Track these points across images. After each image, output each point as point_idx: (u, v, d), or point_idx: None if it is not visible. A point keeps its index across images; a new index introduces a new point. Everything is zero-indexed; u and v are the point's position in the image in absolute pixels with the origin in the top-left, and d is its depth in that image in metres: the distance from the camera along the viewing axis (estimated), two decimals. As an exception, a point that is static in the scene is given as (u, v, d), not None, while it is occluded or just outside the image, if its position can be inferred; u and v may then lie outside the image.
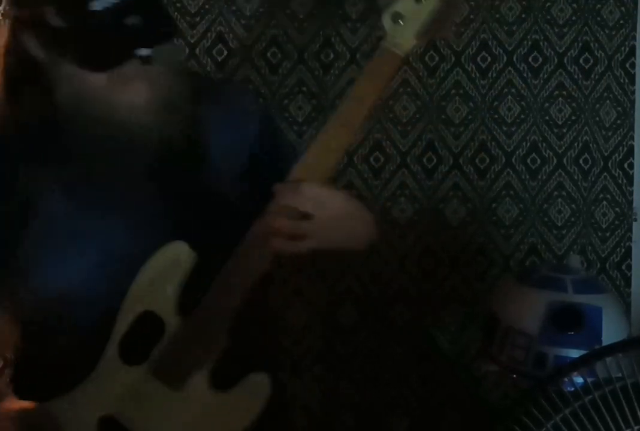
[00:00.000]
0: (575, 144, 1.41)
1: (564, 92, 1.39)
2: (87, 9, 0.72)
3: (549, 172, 1.40)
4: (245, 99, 0.88)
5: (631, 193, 1.41)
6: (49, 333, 0.82)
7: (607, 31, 1.38)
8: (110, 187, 0.80)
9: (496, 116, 1.37)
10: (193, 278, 0.77)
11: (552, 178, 1.40)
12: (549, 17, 1.37)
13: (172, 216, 0.80)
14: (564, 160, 1.41)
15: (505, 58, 1.37)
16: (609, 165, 1.41)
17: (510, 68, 1.37)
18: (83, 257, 0.79)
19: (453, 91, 1.36)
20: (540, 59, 1.38)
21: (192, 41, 1.27)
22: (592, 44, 1.38)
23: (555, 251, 1.40)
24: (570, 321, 1.03)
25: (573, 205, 1.41)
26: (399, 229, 1.34)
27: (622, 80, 1.39)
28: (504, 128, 1.38)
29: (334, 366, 1.34)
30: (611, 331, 1.03)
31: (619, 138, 1.41)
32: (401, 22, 0.74)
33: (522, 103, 1.38)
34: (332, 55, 1.32)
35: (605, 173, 1.41)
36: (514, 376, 1.04)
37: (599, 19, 1.38)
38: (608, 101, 1.39)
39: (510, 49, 1.37)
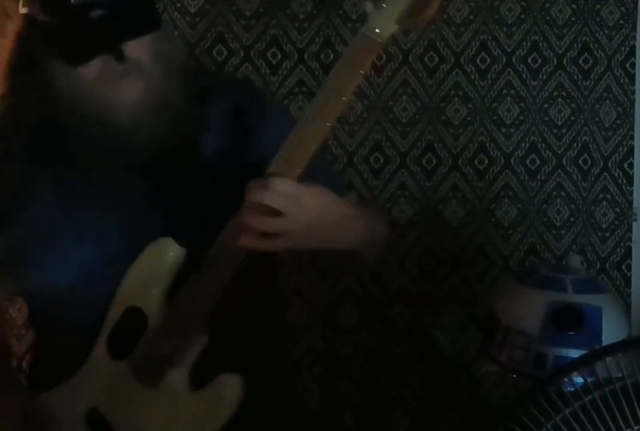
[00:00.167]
0: (575, 145, 1.41)
1: (563, 93, 1.39)
2: (65, 5, 0.72)
3: (548, 173, 1.40)
4: (249, 98, 0.86)
5: (631, 193, 1.41)
6: (48, 326, 0.83)
7: (606, 31, 1.39)
8: (104, 185, 0.80)
9: (495, 117, 1.38)
10: (187, 275, 0.76)
11: (551, 178, 1.40)
12: (548, 18, 1.37)
13: (166, 214, 0.79)
14: (563, 161, 1.41)
15: (504, 59, 1.37)
16: (609, 165, 1.41)
17: (509, 69, 1.37)
18: (78, 254, 0.79)
19: (452, 92, 1.36)
20: (540, 60, 1.38)
21: (192, 41, 1.27)
22: (591, 45, 1.39)
23: (555, 251, 1.40)
24: (570, 321, 1.03)
25: (572, 206, 1.41)
26: (399, 229, 1.34)
27: (622, 80, 1.39)
28: (503, 130, 1.38)
29: (334, 366, 1.34)
30: (611, 331, 1.03)
31: (619, 138, 1.41)
32: (383, 4, 0.69)
33: (521, 104, 1.38)
34: (332, 56, 1.32)
35: (605, 174, 1.41)
36: (514, 376, 1.04)
37: (598, 19, 1.38)
38: (608, 101, 1.40)
39: (509, 50, 1.38)
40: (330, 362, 1.34)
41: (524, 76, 1.38)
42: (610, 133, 1.41)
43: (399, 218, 1.35)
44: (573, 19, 1.38)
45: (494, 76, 1.37)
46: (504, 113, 1.38)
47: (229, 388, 0.75)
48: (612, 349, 0.81)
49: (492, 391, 1.23)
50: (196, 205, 0.79)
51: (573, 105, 1.39)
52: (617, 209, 1.41)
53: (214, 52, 1.28)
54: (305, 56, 1.31)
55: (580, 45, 1.39)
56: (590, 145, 1.41)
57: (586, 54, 1.39)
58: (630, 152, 1.41)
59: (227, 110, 0.83)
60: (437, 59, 1.35)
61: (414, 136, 1.36)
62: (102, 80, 0.74)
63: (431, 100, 1.35)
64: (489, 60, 1.37)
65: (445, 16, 1.35)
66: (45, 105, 0.78)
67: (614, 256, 1.42)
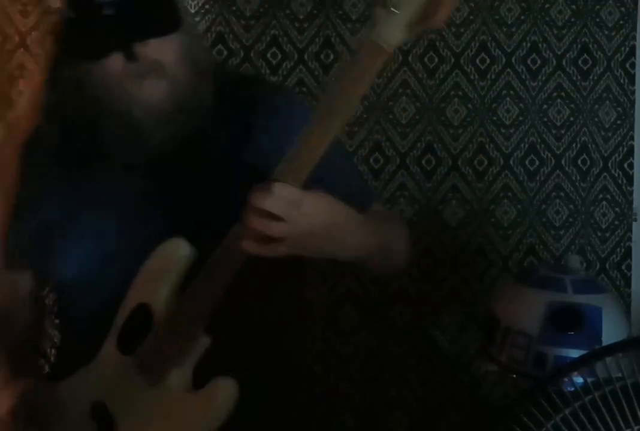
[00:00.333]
0: (574, 145, 1.41)
1: (563, 94, 1.39)
2: (86, 2, 0.73)
3: (547, 173, 1.41)
4: (273, 100, 0.85)
5: (631, 193, 1.42)
6: (67, 316, 0.86)
7: (606, 32, 1.39)
8: (116, 181, 0.81)
9: (495, 118, 1.38)
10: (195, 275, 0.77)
11: (550, 179, 1.40)
12: (547, 18, 1.38)
13: (175, 214, 0.80)
14: (562, 161, 1.41)
15: (504, 60, 1.38)
16: (609, 165, 1.41)
17: (509, 70, 1.37)
18: (94, 249, 0.81)
19: (452, 93, 1.36)
20: (539, 61, 1.38)
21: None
22: (591, 45, 1.39)
23: (553, 251, 1.41)
24: (570, 321, 1.03)
25: (571, 206, 1.41)
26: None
27: (622, 81, 1.40)
28: (503, 130, 1.39)
29: (334, 366, 1.34)
30: (611, 331, 1.03)
31: (619, 138, 1.41)
32: (394, 9, 0.65)
33: (521, 105, 1.38)
34: (332, 56, 1.32)
35: (605, 174, 1.41)
36: (514, 376, 1.04)
37: (598, 20, 1.39)
38: (608, 101, 1.40)
39: (509, 50, 1.38)
40: (330, 362, 1.34)
41: (524, 77, 1.38)
42: (610, 134, 1.41)
43: (399, 219, 1.35)
44: (573, 19, 1.38)
45: (493, 77, 1.37)
46: (504, 114, 1.38)
47: (223, 390, 0.75)
48: (612, 349, 0.81)
49: (492, 391, 1.24)
50: (206, 206, 0.80)
51: (572, 105, 1.39)
52: (617, 209, 1.42)
53: (214, 52, 1.28)
54: (305, 56, 1.31)
55: (579, 46, 1.39)
56: (590, 146, 1.41)
57: (585, 54, 1.39)
58: (630, 152, 1.41)
59: (249, 112, 0.83)
60: (436, 60, 1.36)
61: (414, 137, 1.36)
62: (124, 78, 0.75)
63: (431, 101, 1.35)
64: (488, 60, 1.37)
65: (445, 17, 1.35)
66: (75, 100, 0.79)
67: (614, 256, 1.43)
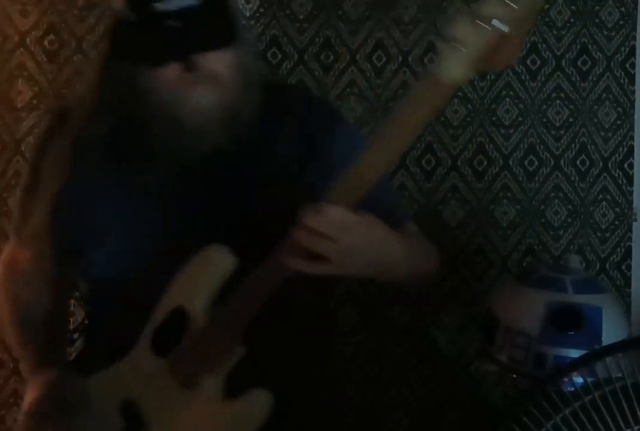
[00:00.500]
0: (573, 146, 1.41)
1: (562, 94, 1.39)
2: (149, 8, 0.75)
3: (546, 174, 1.41)
4: (319, 113, 0.87)
5: (631, 193, 1.42)
6: (101, 313, 0.87)
7: (605, 32, 1.39)
8: (164, 184, 0.83)
9: (494, 118, 1.38)
10: (234, 281, 0.79)
11: (549, 179, 1.41)
12: (547, 19, 1.38)
13: (217, 220, 0.82)
14: (561, 162, 1.41)
15: (503, 60, 1.38)
16: (609, 165, 1.42)
17: (508, 70, 1.38)
18: (132, 246, 0.83)
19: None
20: (539, 61, 1.38)
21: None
22: (590, 46, 1.39)
23: (552, 251, 1.41)
24: (570, 321, 1.03)
25: (570, 206, 1.41)
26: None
27: (622, 81, 1.40)
28: (502, 131, 1.39)
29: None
30: (611, 331, 1.03)
31: (619, 138, 1.41)
32: (458, 46, 0.66)
33: (520, 105, 1.38)
34: (332, 56, 1.32)
35: (605, 174, 1.41)
36: (514, 376, 1.04)
37: (597, 20, 1.39)
38: (607, 102, 1.40)
39: (508, 51, 1.38)
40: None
41: (523, 77, 1.38)
42: (610, 134, 1.41)
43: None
44: (572, 20, 1.38)
45: (493, 77, 1.37)
46: (503, 114, 1.38)
47: (258, 403, 0.78)
48: (612, 349, 0.81)
49: (492, 391, 1.24)
50: (245, 215, 0.81)
51: (571, 106, 1.39)
52: (617, 209, 1.42)
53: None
54: (305, 57, 1.31)
55: (579, 46, 1.39)
56: (589, 146, 1.41)
57: (585, 55, 1.39)
58: (630, 152, 1.41)
59: (295, 125, 0.84)
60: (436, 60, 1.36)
61: (413, 137, 1.36)
62: (178, 85, 0.77)
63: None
64: (488, 61, 1.37)
65: (445, 17, 1.35)
66: (125, 101, 0.80)
67: (614, 256, 1.43)
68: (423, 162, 1.37)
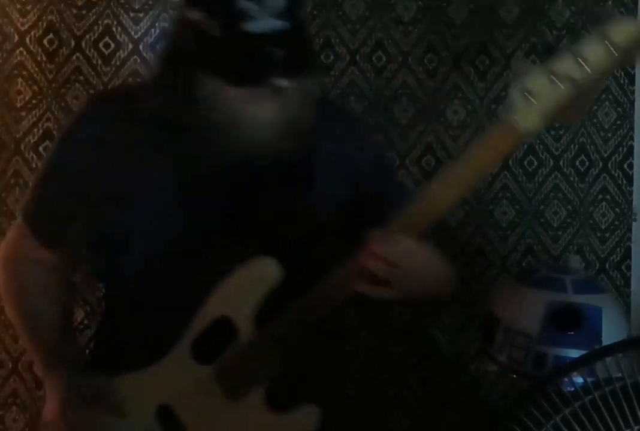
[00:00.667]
0: (572, 146, 1.41)
1: (561, 95, 1.39)
2: (239, 28, 0.75)
3: (546, 174, 1.41)
4: (361, 134, 0.90)
5: (631, 193, 1.42)
6: (132, 312, 0.86)
7: (605, 34, 1.39)
8: (215, 192, 0.83)
9: (494, 119, 1.38)
10: (275, 293, 0.80)
11: (548, 180, 1.41)
12: (546, 20, 1.38)
13: (267, 230, 0.83)
14: (561, 162, 1.41)
15: (503, 61, 1.38)
16: (609, 165, 1.42)
17: (508, 71, 1.38)
18: (160, 248, 0.83)
19: (452, 94, 1.36)
20: (538, 62, 1.38)
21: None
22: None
23: (552, 252, 1.41)
24: (570, 321, 1.03)
25: (569, 206, 1.41)
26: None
27: (621, 81, 1.40)
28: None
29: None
30: (611, 331, 1.04)
31: (619, 138, 1.41)
32: (530, 99, 0.68)
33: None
34: (332, 57, 1.32)
35: (604, 174, 1.41)
36: (514, 376, 1.04)
37: (597, 21, 1.39)
38: (607, 102, 1.40)
39: (508, 51, 1.38)
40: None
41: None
42: (609, 134, 1.41)
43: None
44: (571, 21, 1.38)
45: (492, 77, 1.37)
46: (503, 114, 1.38)
47: (308, 418, 0.80)
48: (612, 349, 0.81)
49: (491, 392, 1.24)
50: (290, 229, 0.83)
51: None
52: (617, 209, 1.42)
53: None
54: (305, 56, 1.31)
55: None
56: (588, 147, 1.41)
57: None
58: (630, 152, 1.41)
59: (341, 142, 0.87)
60: (436, 61, 1.36)
61: (414, 137, 1.36)
62: (244, 96, 0.78)
63: (430, 102, 1.36)
64: (488, 61, 1.37)
65: (444, 17, 1.35)
66: (185, 105, 0.80)
67: (614, 256, 1.43)
68: (423, 162, 1.37)
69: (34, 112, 1.28)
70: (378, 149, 0.92)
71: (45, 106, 1.28)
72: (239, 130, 0.79)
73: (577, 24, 1.39)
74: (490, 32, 1.36)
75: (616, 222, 1.42)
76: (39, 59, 1.28)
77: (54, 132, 1.28)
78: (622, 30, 0.67)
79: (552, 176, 1.41)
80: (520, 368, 1.04)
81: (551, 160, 1.41)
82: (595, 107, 1.41)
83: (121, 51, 1.29)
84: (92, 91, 1.27)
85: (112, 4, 1.28)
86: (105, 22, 1.28)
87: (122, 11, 1.28)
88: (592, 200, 1.42)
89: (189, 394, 0.81)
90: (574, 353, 0.98)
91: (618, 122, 1.41)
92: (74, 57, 1.28)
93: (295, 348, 0.79)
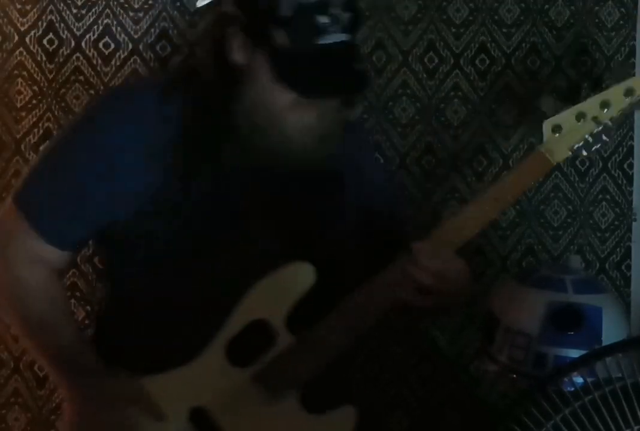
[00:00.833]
0: (573, 146, 1.41)
1: (562, 94, 1.39)
2: (315, 41, 0.78)
3: (546, 174, 1.41)
4: (372, 147, 1.01)
5: (631, 193, 1.42)
6: (157, 310, 0.85)
7: (605, 33, 1.39)
8: (245, 194, 0.84)
9: (494, 118, 1.38)
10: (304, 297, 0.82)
11: (548, 180, 1.40)
12: (546, 19, 1.38)
13: (298, 235, 0.85)
14: (560, 162, 1.41)
15: (503, 60, 1.38)
16: (609, 165, 1.41)
17: (508, 70, 1.38)
18: (210, 252, 0.83)
19: (452, 93, 1.36)
20: (538, 62, 1.38)
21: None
22: (590, 46, 1.39)
23: (552, 252, 1.41)
24: (570, 321, 1.03)
25: (569, 206, 1.41)
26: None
27: (621, 81, 1.40)
28: (502, 131, 1.39)
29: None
30: (611, 331, 1.04)
31: (619, 138, 1.41)
32: (558, 134, 0.83)
33: (521, 105, 1.38)
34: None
35: (604, 174, 1.41)
36: (514, 376, 1.04)
37: (597, 20, 1.39)
38: (607, 102, 1.40)
39: (508, 51, 1.38)
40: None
41: (523, 78, 1.38)
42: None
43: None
44: (571, 21, 1.38)
45: (492, 77, 1.37)
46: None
47: (348, 419, 0.83)
48: (612, 349, 0.81)
49: (491, 391, 1.24)
50: (328, 231, 0.86)
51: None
52: (617, 209, 1.42)
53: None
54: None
55: (578, 46, 1.39)
56: (589, 147, 1.41)
57: (585, 55, 1.39)
58: (630, 152, 1.41)
59: (354, 154, 0.91)
60: (436, 60, 1.36)
61: (414, 137, 1.36)
62: (293, 104, 0.80)
63: (431, 101, 1.36)
64: (487, 61, 1.37)
65: (444, 17, 1.35)
66: (231, 107, 0.82)
67: (614, 256, 1.42)
68: (423, 161, 1.37)
69: (34, 112, 1.29)
70: (383, 162, 0.98)
71: (45, 106, 1.28)
72: (277, 134, 0.81)
73: (577, 24, 1.39)
74: (490, 32, 1.36)
75: (616, 222, 1.42)
76: (38, 58, 1.28)
77: (54, 132, 1.28)
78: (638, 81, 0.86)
79: (552, 176, 1.40)
80: (520, 368, 1.04)
81: (551, 159, 1.41)
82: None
83: (121, 51, 1.29)
84: (92, 91, 1.28)
85: (111, 3, 1.28)
86: (105, 21, 1.28)
87: (121, 11, 1.29)
88: (592, 200, 1.42)
89: (225, 396, 0.81)
90: (574, 353, 0.98)
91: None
92: (74, 57, 1.28)
93: (337, 352, 0.82)
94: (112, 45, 1.29)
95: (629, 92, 0.84)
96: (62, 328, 0.85)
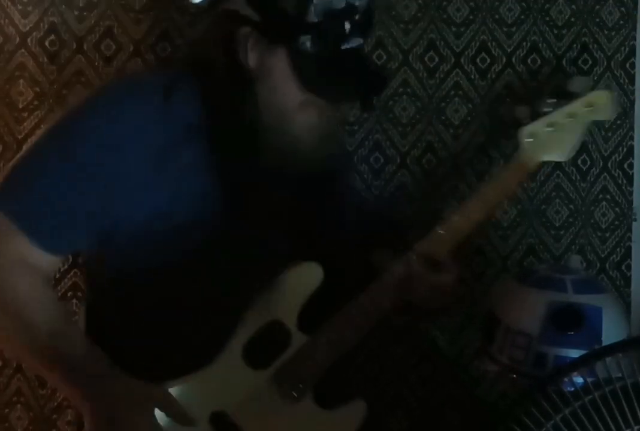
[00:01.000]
0: (574, 145, 1.41)
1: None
2: (339, 46, 0.79)
3: (547, 173, 1.40)
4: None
5: (631, 193, 1.41)
6: (156, 315, 0.83)
7: (606, 32, 1.39)
8: (261, 195, 0.84)
9: (495, 117, 1.38)
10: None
11: (550, 179, 1.40)
12: (547, 18, 1.38)
13: (307, 234, 0.86)
14: (562, 162, 1.41)
15: (504, 59, 1.37)
16: (609, 165, 1.41)
17: (509, 69, 1.37)
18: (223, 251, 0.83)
19: (452, 92, 1.36)
20: (539, 61, 1.38)
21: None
22: (590, 45, 1.39)
23: (553, 251, 1.40)
24: (570, 321, 1.03)
25: (571, 206, 1.41)
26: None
27: (622, 81, 1.40)
28: (503, 130, 1.39)
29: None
30: (611, 331, 1.03)
31: (619, 138, 1.41)
32: (533, 140, 0.94)
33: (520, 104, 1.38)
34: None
35: (604, 174, 1.41)
36: (514, 376, 1.04)
37: (597, 20, 1.39)
38: (608, 101, 1.40)
39: (509, 50, 1.38)
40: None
41: (523, 77, 1.38)
42: (610, 134, 1.41)
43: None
44: (572, 19, 1.38)
45: (493, 76, 1.37)
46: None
47: (359, 412, 0.86)
48: (612, 349, 0.81)
49: (491, 391, 1.24)
50: (332, 229, 0.88)
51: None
52: (617, 209, 1.41)
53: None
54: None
55: (579, 46, 1.39)
56: (590, 146, 1.41)
57: (585, 54, 1.39)
58: (630, 152, 1.41)
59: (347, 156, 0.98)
60: (437, 59, 1.36)
61: (414, 136, 1.36)
62: (302, 102, 0.81)
63: (431, 101, 1.35)
64: (488, 60, 1.37)
65: (445, 16, 1.35)
66: (241, 106, 0.82)
67: (614, 256, 1.42)
68: (424, 161, 1.37)
69: (35, 113, 1.29)
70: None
71: (47, 107, 1.29)
72: (286, 133, 0.81)
73: (578, 23, 1.39)
74: (491, 31, 1.36)
75: (616, 222, 1.42)
76: (40, 60, 1.29)
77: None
78: (599, 95, 0.95)
79: (554, 175, 1.40)
80: (520, 368, 1.04)
81: (553, 159, 1.41)
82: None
83: (122, 52, 1.29)
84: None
85: (113, 4, 1.28)
86: (107, 23, 1.28)
87: (123, 12, 1.29)
88: (593, 199, 1.41)
89: (246, 399, 0.81)
90: (574, 353, 0.98)
91: (618, 122, 1.40)
92: (76, 59, 1.29)
93: (350, 348, 0.84)
94: (114, 47, 1.29)
95: (589, 105, 0.94)
96: (73, 337, 0.79)
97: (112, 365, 0.80)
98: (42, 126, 1.29)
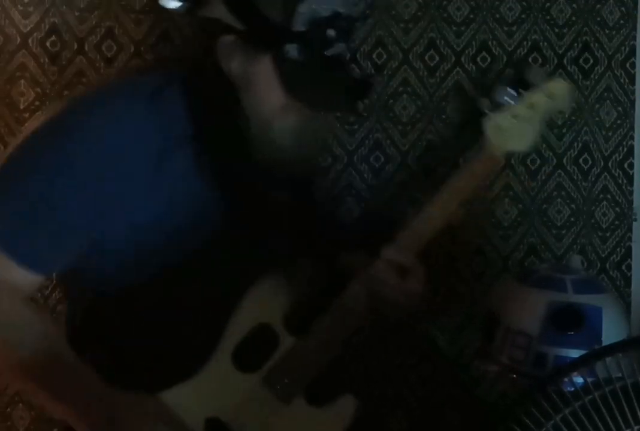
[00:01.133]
0: (575, 144, 1.41)
1: (564, 92, 1.39)
2: (323, 53, 0.79)
3: (549, 173, 1.40)
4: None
5: (631, 193, 1.41)
6: (160, 322, 0.83)
7: (607, 31, 1.39)
8: (256, 191, 0.85)
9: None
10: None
11: (551, 178, 1.40)
12: (548, 17, 1.37)
13: (306, 235, 0.87)
14: (564, 161, 1.41)
15: (504, 58, 1.37)
16: (609, 165, 1.41)
17: (509, 68, 1.37)
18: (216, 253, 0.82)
19: (452, 91, 1.36)
20: (540, 60, 1.38)
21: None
22: (591, 44, 1.39)
23: (555, 251, 1.40)
24: (570, 321, 1.03)
25: (573, 205, 1.41)
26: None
27: (622, 80, 1.39)
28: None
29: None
30: (611, 331, 1.03)
31: (619, 138, 1.41)
32: (499, 131, 0.93)
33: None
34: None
35: (605, 173, 1.41)
36: (514, 376, 1.04)
37: (598, 19, 1.38)
38: (608, 101, 1.39)
39: (510, 49, 1.37)
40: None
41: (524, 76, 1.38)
42: (610, 133, 1.41)
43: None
44: (573, 18, 1.38)
45: (494, 75, 1.37)
46: (505, 113, 1.38)
47: (349, 407, 0.85)
48: (612, 349, 0.81)
49: (491, 391, 1.24)
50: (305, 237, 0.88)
51: (574, 104, 1.39)
52: (617, 209, 1.41)
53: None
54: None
55: (580, 45, 1.38)
56: (591, 145, 1.41)
57: (586, 53, 1.39)
58: (630, 152, 1.41)
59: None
60: (437, 58, 1.35)
61: (415, 135, 1.36)
62: (285, 107, 0.82)
63: (431, 100, 1.35)
64: (489, 59, 1.37)
65: (445, 15, 1.35)
66: (229, 111, 0.83)
67: (614, 256, 1.42)
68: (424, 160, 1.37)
69: (37, 113, 1.29)
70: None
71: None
72: (271, 138, 0.82)
73: (579, 22, 1.38)
74: (491, 30, 1.36)
75: (616, 222, 1.41)
76: (41, 60, 1.29)
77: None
78: (557, 86, 0.95)
79: (555, 174, 1.40)
80: (520, 368, 1.04)
81: (554, 158, 1.40)
82: (597, 106, 1.40)
83: (123, 53, 1.29)
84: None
85: (113, 5, 1.29)
86: (108, 24, 1.29)
87: (123, 13, 1.29)
88: (594, 199, 1.41)
89: (238, 403, 0.81)
90: (574, 353, 0.98)
91: (618, 121, 1.40)
92: (77, 59, 1.29)
93: (340, 348, 0.84)
94: (115, 47, 1.29)
95: (549, 95, 0.94)
96: (79, 370, 0.76)
97: (103, 382, 0.78)
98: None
